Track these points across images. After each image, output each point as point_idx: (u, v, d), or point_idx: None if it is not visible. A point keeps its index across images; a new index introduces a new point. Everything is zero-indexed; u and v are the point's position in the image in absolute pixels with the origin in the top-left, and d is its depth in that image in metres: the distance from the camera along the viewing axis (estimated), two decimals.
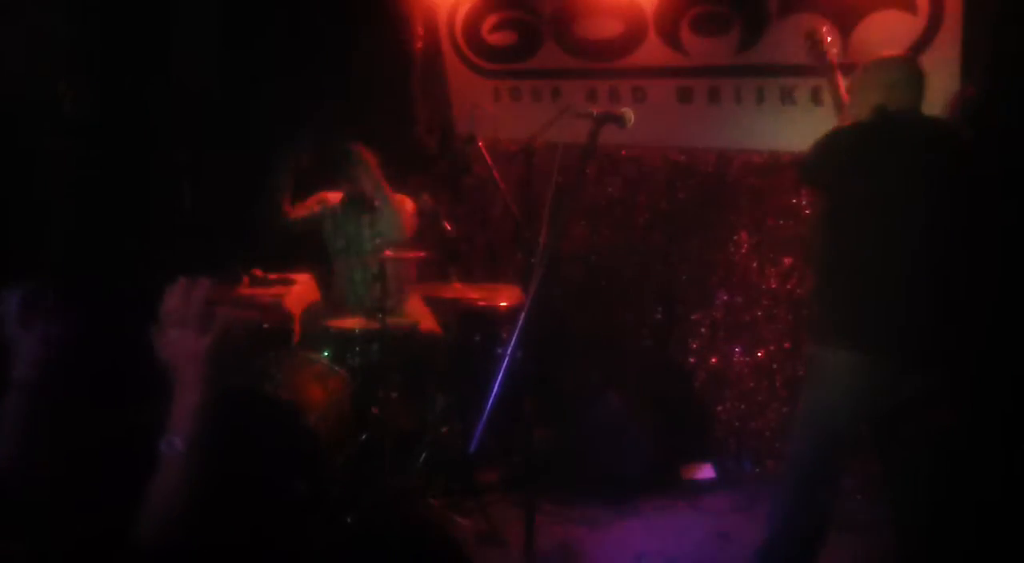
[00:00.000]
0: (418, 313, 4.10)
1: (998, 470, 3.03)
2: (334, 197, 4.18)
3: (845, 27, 3.55)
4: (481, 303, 3.82)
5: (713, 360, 4.29)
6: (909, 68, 2.72)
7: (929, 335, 2.55)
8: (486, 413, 2.16)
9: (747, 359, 4.19)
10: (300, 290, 4.43)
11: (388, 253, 3.65)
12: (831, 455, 2.63)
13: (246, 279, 3.69)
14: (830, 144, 2.66)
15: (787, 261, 4.08)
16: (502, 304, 3.76)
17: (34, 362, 1.64)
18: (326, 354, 3.70)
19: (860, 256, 2.59)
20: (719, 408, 4.22)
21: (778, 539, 2.67)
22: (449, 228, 3.90)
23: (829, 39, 3.17)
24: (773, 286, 4.14)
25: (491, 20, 4.59)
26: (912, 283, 2.55)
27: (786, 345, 4.08)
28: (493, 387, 2.18)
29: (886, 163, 2.57)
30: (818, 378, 2.63)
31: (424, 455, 3.80)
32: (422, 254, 3.83)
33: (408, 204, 4.12)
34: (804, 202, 3.94)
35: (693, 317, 4.34)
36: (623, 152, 4.41)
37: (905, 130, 2.64)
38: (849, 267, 2.60)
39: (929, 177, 2.58)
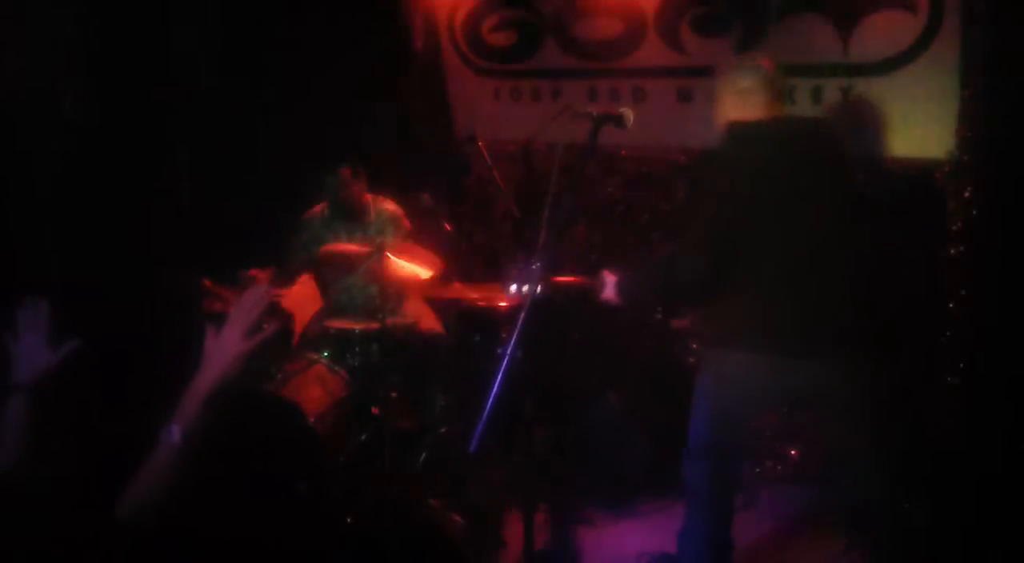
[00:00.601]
0: (418, 313, 4.10)
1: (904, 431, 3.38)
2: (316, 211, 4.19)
3: (845, 27, 3.55)
4: (481, 303, 3.82)
5: None
6: (758, 72, 2.80)
7: (816, 327, 2.67)
8: (486, 413, 2.16)
9: None
10: (300, 290, 4.43)
11: (387, 258, 3.63)
12: (737, 441, 2.87)
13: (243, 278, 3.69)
14: (706, 171, 2.75)
15: None
16: (502, 304, 3.76)
17: (39, 365, 1.65)
18: (326, 354, 3.70)
19: (744, 262, 2.66)
20: None
21: (698, 517, 2.89)
22: (449, 228, 3.90)
23: None
24: None
25: (491, 20, 4.59)
26: (791, 281, 2.67)
27: None
28: (493, 387, 2.18)
29: (752, 172, 2.66)
30: (716, 375, 2.78)
31: (424, 455, 3.80)
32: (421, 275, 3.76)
33: (399, 213, 4.12)
34: None
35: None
36: (623, 152, 4.41)
37: (766, 137, 2.73)
38: (735, 272, 2.67)
39: (796, 178, 2.68)
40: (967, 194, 3.44)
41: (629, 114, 2.61)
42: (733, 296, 2.69)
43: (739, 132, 2.74)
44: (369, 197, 4.12)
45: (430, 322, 4.09)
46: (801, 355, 2.65)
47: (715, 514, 2.90)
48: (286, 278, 4.15)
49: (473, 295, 3.82)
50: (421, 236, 4.13)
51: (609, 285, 2.93)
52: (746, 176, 2.65)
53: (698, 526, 2.89)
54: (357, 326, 3.72)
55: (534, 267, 3.35)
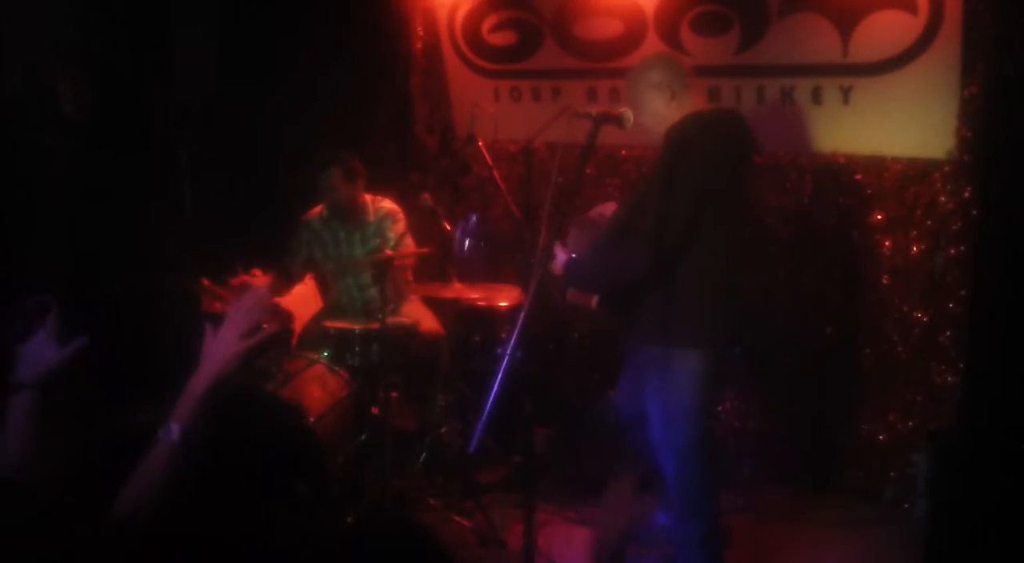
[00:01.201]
0: (418, 314, 4.10)
1: None
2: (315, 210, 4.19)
3: (845, 27, 3.55)
4: (481, 303, 3.82)
5: None
6: (672, 67, 2.87)
7: (750, 315, 2.90)
8: (486, 413, 2.16)
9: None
10: (300, 290, 4.43)
11: (387, 253, 3.64)
12: (707, 429, 2.94)
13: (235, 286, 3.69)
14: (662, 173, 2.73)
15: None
16: (502, 304, 3.75)
17: (44, 363, 1.66)
18: (326, 354, 3.70)
19: (708, 255, 2.70)
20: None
21: (692, 516, 2.90)
22: (449, 228, 3.90)
23: None
24: None
25: (491, 20, 4.58)
26: (739, 271, 2.80)
27: None
28: (493, 387, 2.18)
29: (719, 162, 2.70)
30: (686, 373, 2.78)
31: (424, 455, 3.80)
32: (424, 251, 3.84)
33: (398, 213, 4.12)
34: (805, 201, 3.94)
35: None
36: (623, 152, 4.41)
37: (721, 127, 2.79)
38: (687, 274, 2.70)
39: (743, 168, 2.82)
40: (967, 194, 3.44)
41: (629, 114, 2.61)
42: (697, 292, 2.72)
43: (698, 123, 2.73)
44: (368, 197, 4.11)
45: (430, 322, 4.09)
46: (740, 343, 2.83)
47: (708, 511, 2.90)
48: (286, 280, 4.15)
49: (473, 295, 3.82)
50: (421, 236, 4.14)
51: (559, 260, 2.91)
52: (713, 166, 2.67)
53: (693, 525, 2.88)
54: (357, 326, 3.72)
55: (473, 220, 3.41)
